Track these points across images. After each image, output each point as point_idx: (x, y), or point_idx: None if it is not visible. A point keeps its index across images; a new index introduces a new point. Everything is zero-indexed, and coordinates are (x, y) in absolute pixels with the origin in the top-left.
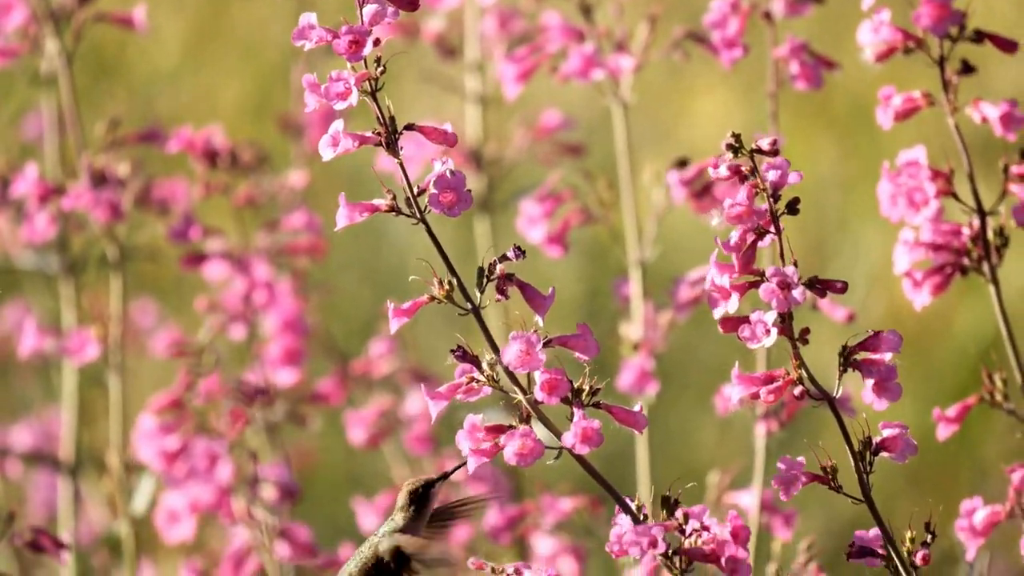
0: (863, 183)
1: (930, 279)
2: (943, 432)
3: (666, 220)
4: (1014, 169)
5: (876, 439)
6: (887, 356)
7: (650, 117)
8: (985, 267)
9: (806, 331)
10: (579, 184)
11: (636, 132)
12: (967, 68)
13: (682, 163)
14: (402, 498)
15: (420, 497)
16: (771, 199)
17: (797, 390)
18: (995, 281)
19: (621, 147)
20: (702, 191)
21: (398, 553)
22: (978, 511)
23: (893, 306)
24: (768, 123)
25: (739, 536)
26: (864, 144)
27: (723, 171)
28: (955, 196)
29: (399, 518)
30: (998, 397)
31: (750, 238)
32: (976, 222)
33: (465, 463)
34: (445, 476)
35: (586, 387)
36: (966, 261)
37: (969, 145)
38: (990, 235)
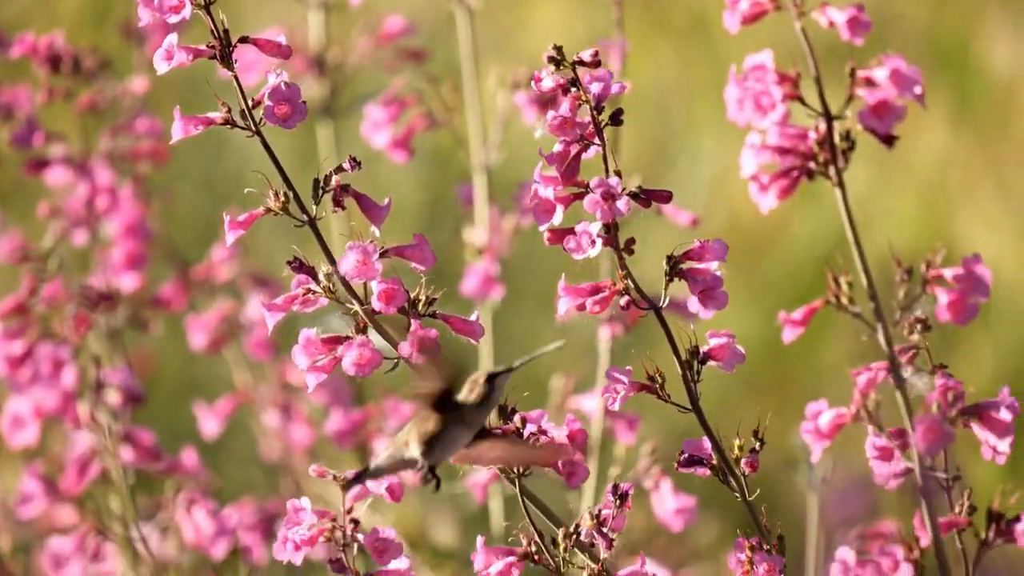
0: (704, 91)
1: (776, 182)
2: (789, 335)
3: (511, 125)
4: (860, 73)
5: (704, 348)
6: (713, 265)
7: (493, 24)
8: (831, 170)
9: (631, 241)
10: (424, 89)
11: (479, 38)
12: None
13: (529, 81)
14: (468, 387)
15: (485, 387)
16: (594, 110)
17: (623, 300)
18: (841, 184)
19: (466, 52)
20: (548, 99)
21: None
22: (824, 414)
23: (733, 212)
24: (612, 31)
25: (576, 440)
26: (705, 52)
27: (546, 83)
28: (802, 100)
29: (472, 401)
30: (844, 300)
31: (573, 149)
32: (823, 126)
33: (543, 353)
34: (511, 370)
35: (423, 296)
36: (812, 165)
37: (816, 50)
38: (836, 139)
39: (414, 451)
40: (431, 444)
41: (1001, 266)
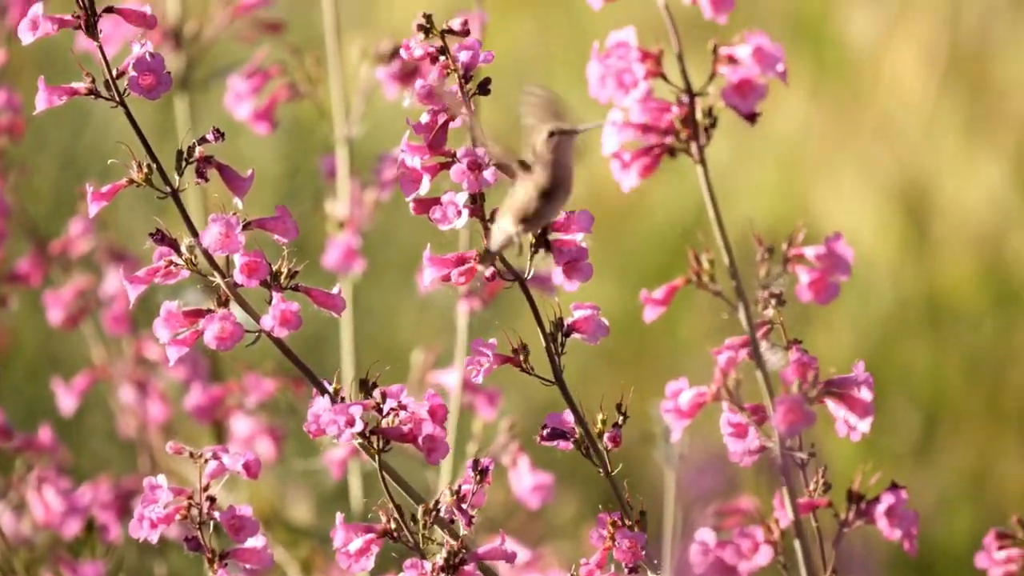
0: (564, 63)
1: (638, 160)
2: (650, 314)
3: (373, 97)
4: (723, 51)
5: (568, 320)
6: (578, 236)
7: None
8: (693, 148)
9: (495, 211)
10: (287, 60)
11: (342, 10)
12: None
13: (392, 54)
14: (540, 139)
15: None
16: (462, 79)
17: (488, 271)
18: (703, 162)
19: (329, 23)
20: (410, 72)
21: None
22: (684, 392)
23: (594, 185)
24: (473, 3)
25: (436, 415)
26: (565, 24)
27: (415, 52)
28: (664, 77)
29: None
30: (705, 278)
31: (440, 119)
32: (685, 103)
33: (599, 123)
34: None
35: (285, 269)
36: (674, 142)
37: (679, 27)
38: (699, 116)
39: (508, 226)
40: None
41: (859, 239)
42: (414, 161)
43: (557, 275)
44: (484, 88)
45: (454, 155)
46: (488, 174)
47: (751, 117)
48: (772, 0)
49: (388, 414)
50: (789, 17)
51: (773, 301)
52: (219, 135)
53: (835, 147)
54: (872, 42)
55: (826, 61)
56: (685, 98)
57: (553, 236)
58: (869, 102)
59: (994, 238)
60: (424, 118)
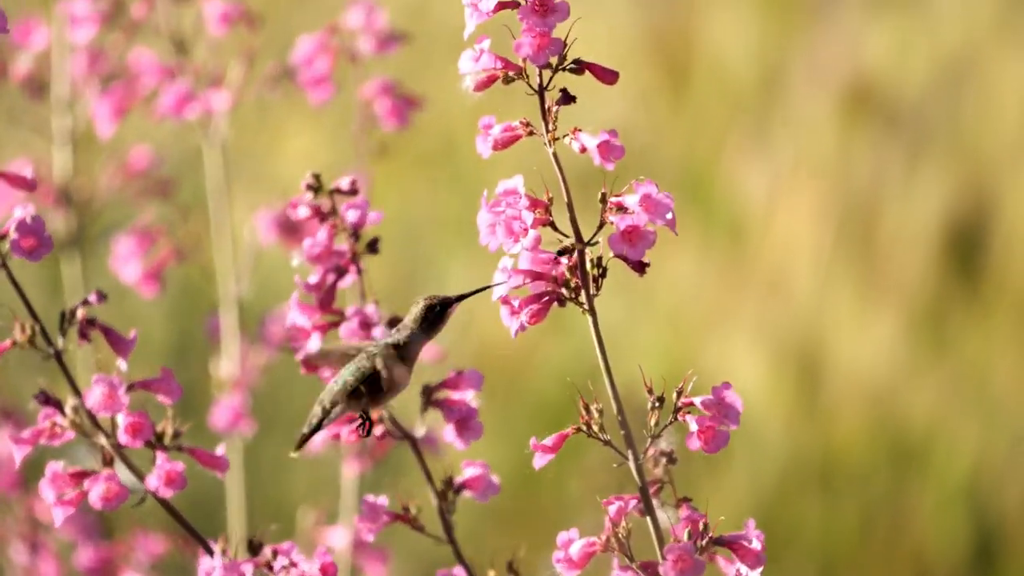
0: (453, 218)
1: (528, 307)
2: (540, 461)
3: (261, 257)
4: (612, 199)
5: (458, 478)
6: (468, 395)
7: (242, 154)
8: (583, 297)
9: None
10: (173, 221)
11: (229, 169)
12: (567, 98)
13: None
14: (416, 311)
15: (436, 315)
16: (351, 238)
17: (378, 430)
18: (592, 311)
19: (214, 184)
20: (294, 229)
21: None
22: (575, 542)
23: (484, 344)
24: (356, 162)
25: (327, 573)
26: (453, 179)
27: (303, 211)
28: (553, 226)
29: (405, 333)
30: (594, 427)
31: (330, 278)
32: (575, 252)
33: (491, 286)
34: (463, 297)
35: (169, 430)
36: (564, 291)
37: (569, 176)
38: (588, 265)
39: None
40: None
41: (751, 396)
42: (304, 320)
43: (448, 434)
44: (373, 247)
45: (343, 314)
46: (377, 332)
47: (640, 267)
48: (663, 154)
49: (279, 572)
50: (679, 171)
51: (664, 459)
52: (101, 297)
53: (726, 304)
54: (763, 198)
55: (716, 217)
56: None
57: (443, 395)
58: (760, 259)
59: (887, 395)
60: (313, 277)
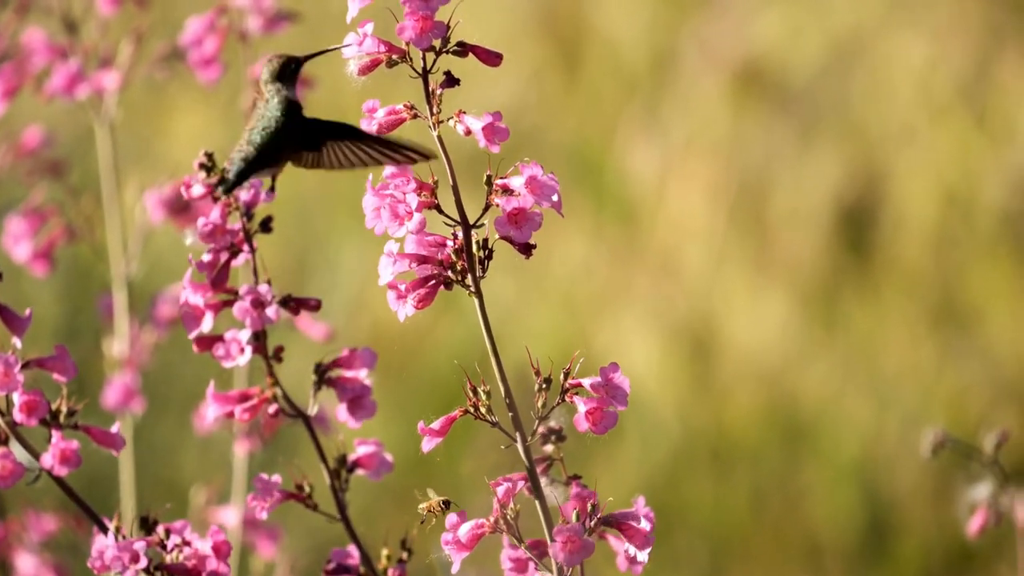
0: (345, 200)
1: (414, 291)
2: (428, 445)
3: (152, 237)
4: (497, 181)
5: (351, 456)
6: (362, 373)
7: (133, 134)
8: (469, 280)
9: (280, 349)
10: (64, 201)
11: (120, 149)
12: (451, 80)
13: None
14: (267, 73)
15: (292, 72)
16: (244, 217)
17: (272, 408)
18: (479, 294)
19: (105, 165)
20: (184, 209)
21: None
22: (463, 525)
23: (376, 324)
24: None
25: (220, 551)
26: None
27: (196, 190)
28: (439, 208)
29: (285, 92)
30: (482, 409)
31: (223, 257)
32: (460, 235)
33: (336, 48)
34: (315, 55)
35: (64, 408)
36: (450, 274)
37: (460, 158)
38: (474, 248)
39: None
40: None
41: (643, 375)
42: (197, 299)
43: (341, 412)
44: (266, 226)
45: (237, 293)
46: (271, 311)
47: (527, 249)
48: (554, 135)
49: (172, 550)
50: (571, 152)
51: (553, 437)
52: None
53: (619, 285)
54: (655, 179)
55: (608, 197)
56: (460, 230)
57: (336, 373)
58: (652, 239)
59: (779, 374)
60: (206, 256)
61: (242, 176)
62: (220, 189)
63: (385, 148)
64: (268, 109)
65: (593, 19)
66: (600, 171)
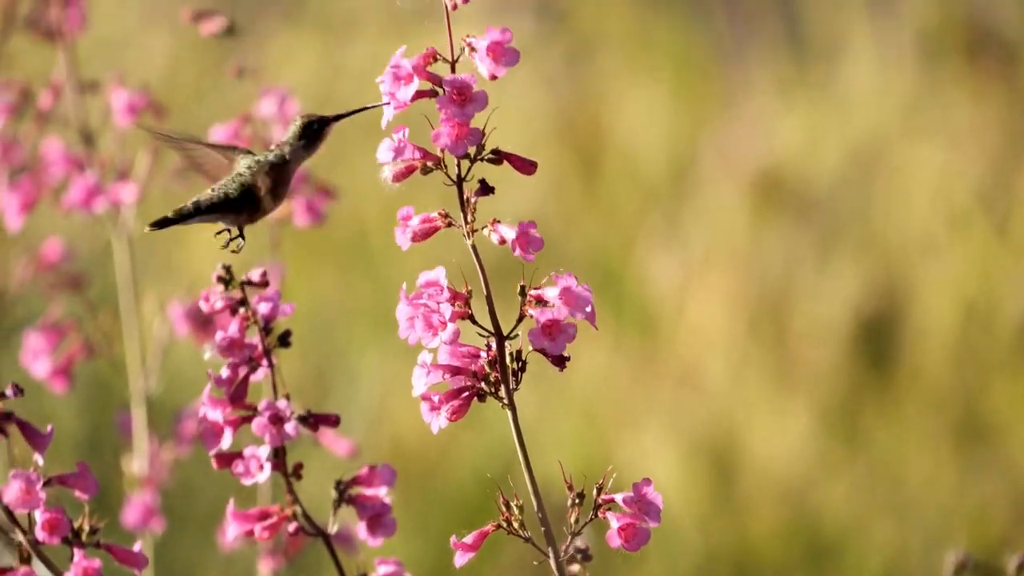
0: (367, 316)
1: (448, 403)
2: (460, 559)
3: (171, 351)
4: (531, 292)
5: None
6: (382, 491)
7: (151, 247)
8: (503, 391)
9: (299, 466)
10: (82, 316)
11: (138, 262)
12: (485, 188)
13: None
14: (295, 128)
15: (315, 132)
16: (262, 331)
17: (291, 527)
18: (512, 406)
19: (123, 278)
20: (205, 322)
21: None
22: None
23: (397, 437)
24: (268, 253)
25: None
26: (366, 277)
27: (215, 304)
28: (473, 319)
29: (287, 148)
30: (515, 524)
31: (242, 372)
32: (494, 346)
33: (372, 107)
34: (344, 115)
35: (87, 526)
36: (483, 385)
37: (488, 267)
38: (508, 359)
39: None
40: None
41: (664, 490)
42: (216, 415)
43: (361, 530)
44: (284, 340)
45: (256, 408)
46: (290, 427)
47: (560, 361)
48: (573, 245)
49: None
50: (590, 263)
51: (579, 556)
52: (18, 391)
53: (640, 396)
54: (675, 289)
55: (628, 308)
56: (494, 341)
57: (356, 491)
58: (673, 350)
59: (800, 490)
60: (225, 371)
61: (195, 214)
62: (172, 214)
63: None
64: (256, 160)
65: (612, 128)
66: (620, 281)
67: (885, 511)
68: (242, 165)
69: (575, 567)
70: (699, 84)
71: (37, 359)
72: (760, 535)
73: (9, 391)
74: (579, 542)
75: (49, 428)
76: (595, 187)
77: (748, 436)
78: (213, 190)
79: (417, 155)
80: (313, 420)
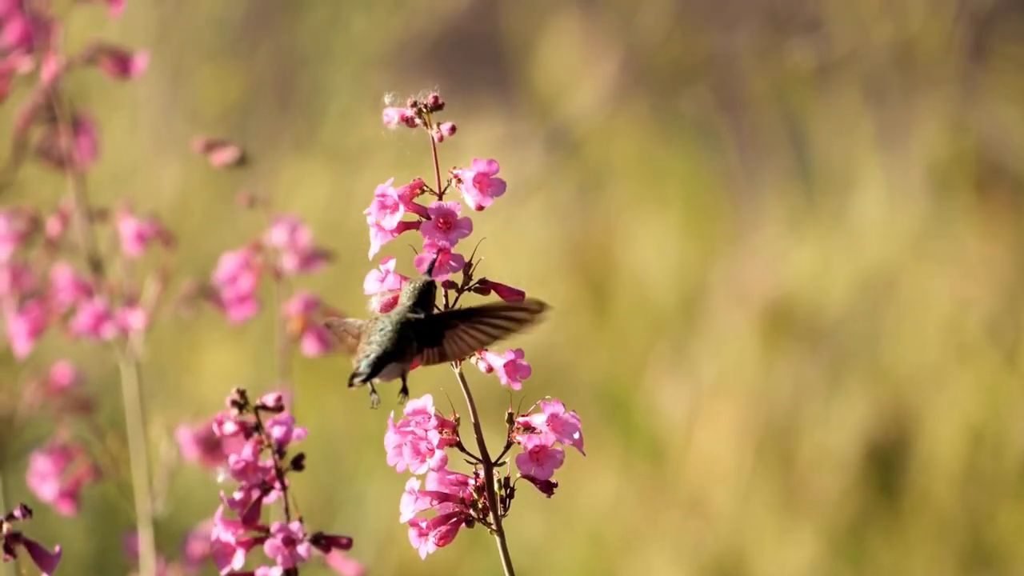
0: (375, 440)
1: (436, 529)
2: None
3: (178, 474)
4: (519, 419)
5: None
6: None
7: (160, 371)
8: (491, 518)
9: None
10: (90, 439)
11: (146, 386)
12: None
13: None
14: (412, 291)
15: (430, 296)
16: (276, 455)
17: None
18: (500, 532)
19: (131, 402)
20: (213, 446)
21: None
22: None
23: (404, 561)
24: (277, 378)
25: None
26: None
27: (228, 427)
28: (460, 446)
29: (420, 311)
30: None
31: (255, 494)
32: (482, 473)
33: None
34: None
35: None
36: (472, 512)
37: (487, 395)
38: (496, 486)
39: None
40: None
41: None
42: (228, 536)
43: None
44: (298, 464)
45: (268, 530)
46: (302, 549)
47: (547, 487)
48: (582, 374)
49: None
50: (599, 391)
51: None
52: (27, 512)
53: (647, 523)
54: (683, 417)
55: (637, 435)
56: (482, 468)
57: None
58: (680, 478)
59: None
60: (238, 494)
61: (375, 368)
62: (357, 380)
63: (507, 312)
64: (388, 317)
65: (622, 258)
66: (629, 409)
67: None
68: (381, 326)
69: None
70: (709, 214)
71: (45, 481)
72: None
73: (17, 512)
74: None
75: (57, 549)
76: (605, 317)
77: (755, 562)
78: (369, 348)
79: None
80: (325, 542)
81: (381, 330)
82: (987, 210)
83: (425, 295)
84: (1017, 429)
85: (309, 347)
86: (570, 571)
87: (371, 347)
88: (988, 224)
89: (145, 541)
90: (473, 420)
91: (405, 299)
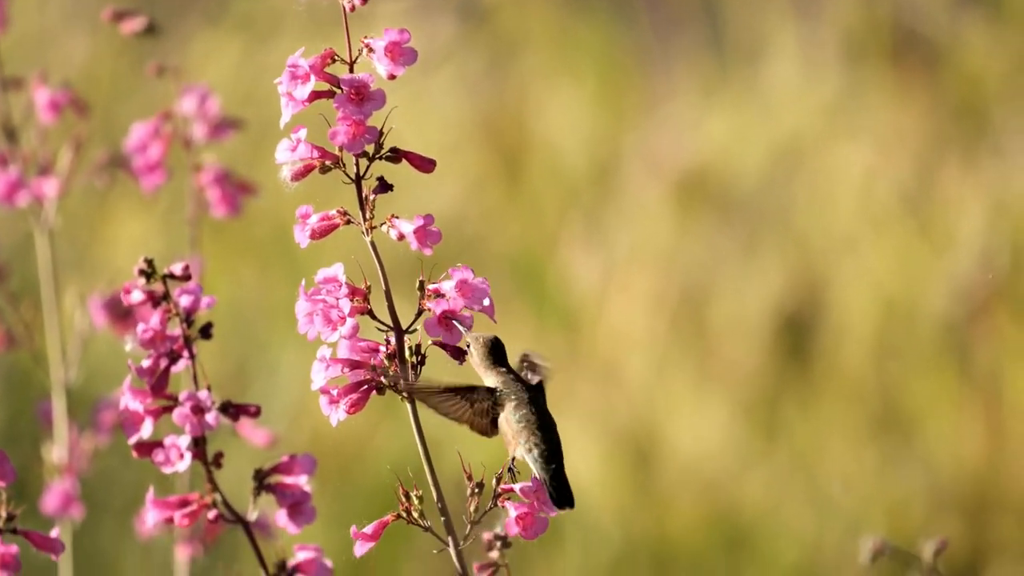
0: (285, 307)
1: (347, 396)
2: (360, 549)
3: (91, 343)
4: (430, 286)
5: (291, 562)
6: (302, 479)
7: (73, 241)
8: (401, 385)
9: (220, 455)
10: (3, 307)
11: (59, 256)
12: (384, 186)
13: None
14: (483, 350)
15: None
16: (184, 323)
17: (211, 514)
18: (411, 399)
19: (45, 271)
20: (124, 315)
21: None
22: None
23: (317, 430)
24: (188, 248)
25: None
26: (287, 268)
27: (136, 296)
28: (372, 314)
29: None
30: (415, 514)
31: (163, 363)
32: (393, 340)
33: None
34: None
35: (4, 513)
36: (383, 379)
37: (400, 265)
38: (407, 353)
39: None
40: None
41: (585, 484)
42: (136, 405)
43: (280, 518)
44: (206, 332)
45: (176, 399)
46: (211, 417)
47: (457, 353)
48: (495, 244)
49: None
50: (512, 261)
51: (499, 543)
52: None
53: (560, 392)
54: (597, 286)
55: (550, 305)
56: (393, 335)
57: (276, 479)
58: (594, 346)
59: (720, 482)
60: (146, 362)
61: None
62: (566, 507)
63: None
64: (534, 394)
65: (535, 128)
66: (542, 279)
67: (803, 501)
68: (538, 407)
69: (494, 553)
70: (622, 85)
71: None
72: (679, 527)
73: None
74: (499, 529)
75: (55, 532)
76: (517, 187)
77: (668, 429)
78: (549, 447)
79: (315, 154)
80: (234, 410)
81: (542, 413)
82: (901, 78)
83: (502, 352)
84: (928, 297)
85: (217, 211)
86: (481, 440)
87: (551, 444)
88: (902, 93)
89: (58, 409)
90: (384, 288)
91: (484, 359)
